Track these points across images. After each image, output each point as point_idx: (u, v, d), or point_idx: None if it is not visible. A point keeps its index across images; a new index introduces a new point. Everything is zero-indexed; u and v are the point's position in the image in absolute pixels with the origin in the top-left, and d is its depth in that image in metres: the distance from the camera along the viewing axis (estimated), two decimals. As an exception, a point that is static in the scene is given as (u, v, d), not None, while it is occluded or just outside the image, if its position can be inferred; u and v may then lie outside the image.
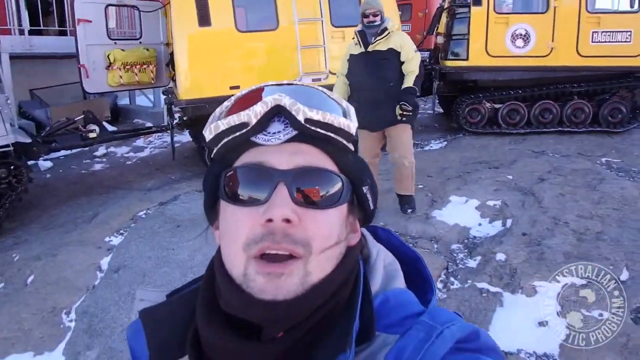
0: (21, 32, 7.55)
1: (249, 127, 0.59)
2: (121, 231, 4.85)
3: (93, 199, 5.74)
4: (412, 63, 4.15)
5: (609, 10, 7.81)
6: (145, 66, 6.44)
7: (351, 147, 0.64)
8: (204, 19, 5.69)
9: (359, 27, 4.31)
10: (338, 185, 0.61)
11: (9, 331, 3.57)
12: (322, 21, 6.16)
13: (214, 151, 0.64)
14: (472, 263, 3.87)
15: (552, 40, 7.54)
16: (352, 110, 0.65)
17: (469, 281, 3.57)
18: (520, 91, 7.74)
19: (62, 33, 8.41)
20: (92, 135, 5.87)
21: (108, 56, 6.15)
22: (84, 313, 3.74)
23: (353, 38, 4.34)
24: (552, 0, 7.49)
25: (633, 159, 6.42)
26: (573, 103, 7.73)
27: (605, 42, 7.53)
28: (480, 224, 4.60)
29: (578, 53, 7.56)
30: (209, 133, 0.62)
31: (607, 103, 7.75)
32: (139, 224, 4.97)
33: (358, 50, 4.26)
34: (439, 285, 3.61)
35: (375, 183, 0.68)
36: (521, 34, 7.64)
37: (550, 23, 7.52)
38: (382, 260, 0.66)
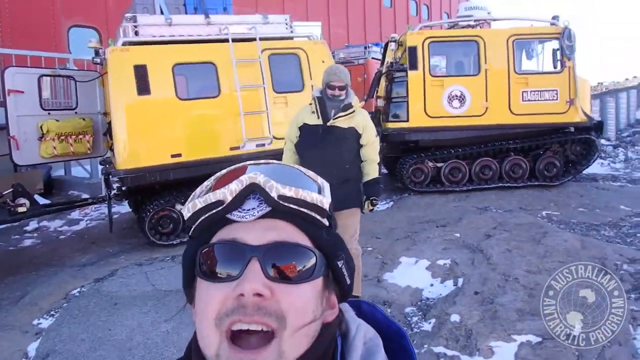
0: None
1: (224, 205, 0.62)
2: (52, 312, 4.57)
3: (21, 278, 5.42)
4: (372, 149, 3.86)
5: (535, 72, 8.58)
6: (81, 136, 6.37)
7: (325, 222, 0.66)
8: (142, 87, 5.77)
9: (317, 93, 3.87)
10: (312, 260, 0.62)
11: None
12: (264, 88, 6.37)
13: (192, 229, 0.67)
14: (427, 326, 3.89)
15: (486, 100, 8.14)
16: (326, 186, 0.68)
17: (425, 346, 3.56)
18: (460, 150, 8.20)
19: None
20: (21, 209, 5.63)
21: (41, 127, 6.05)
22: (6, 409, 3.44)
23: (310, 104, 3.86)
24: (482, 63, 8.15)
25: (570, 211, 6.84)
26: (510, 159, 8.26)
27: (534, 100, 8.23)
28: (432, 285, 4.68)
29: (511, 111, 8.19)
30: (187, 211, 0.65)
31: (541, 158, 8.34)
32: (72, 304, 4.71)
33: (314, 120, 3.81)
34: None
35: (351, 257, 0.70)
36: (457, 95, 8.22)
37: (482, 84, 8.16)
38: (363, 336, 0.66)
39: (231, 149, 6.26)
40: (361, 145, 3.84)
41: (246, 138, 6.27)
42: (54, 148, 6.12)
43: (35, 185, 7.96)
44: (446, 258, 5.11)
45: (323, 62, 6.40)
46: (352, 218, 3.87)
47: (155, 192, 6.17)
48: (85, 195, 8.11)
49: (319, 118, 3.79)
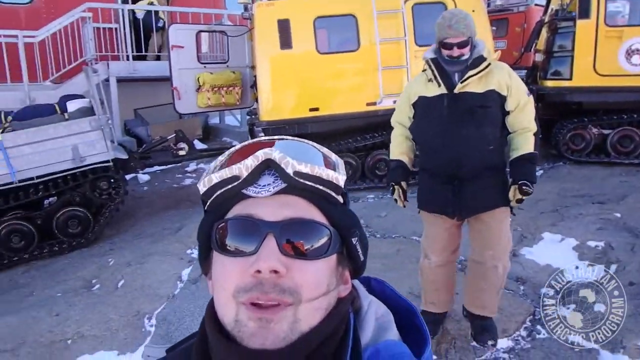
0: (127, 58, 8.77)
1: (240, 180, 0.66)
2: (202, 245, 5.48)
3: (179, 212, 6.51)
4: (524, 114, 2.84)
5: None
6: (231, 88, 7.17)
7: (340, 199, 0.69)
8: (285, 41, 6.26)
9: (430, 54, 2.92)
10: (326, 237, 0.66)
11: (99, 330, 4.25)
12: (405, 40, 6.45)
13: (208, 203, 0.71)
14: (564, 311, 3.52)
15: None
16: (341, 163, 0.71)
17: (556, 331, 3.26)
18: (635, 115, 7.32)
19: (157, 58, 9.55)
20: (181, 152, 6.67)
21: (198, 79, 6.96)
22: (163, 320, 4.33)
23: (424, 70, 2.96)
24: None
25: None
26: None
27: None
28: (577, 267, 4.25)
29: None
30: (202, 186, 0.70)
31: None
32: (219, 239, 5.58)
33: (434, 90, 2.85)
34: (523, 332, 3.45)
35: (365, 234, 0.73)
36: (638, 50, 7.30)
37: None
38: (374, 312, 0.70)
39: (368, 104, 6.51)
40: (507, 112, 2.84)
41: (383, 94, 6.47)
42: (208, 99, 7.00)
43: (195, 131, 9.23)
44: (599, 240, 4.62)
45: (473, 11, 6.22)
46: (501, 222, 2.98)
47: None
48: (235, 143, 9.14)
49: (440, 86, 2.82)
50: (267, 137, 0.75)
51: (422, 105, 2.94)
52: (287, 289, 0.62)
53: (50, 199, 5.86)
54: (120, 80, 8.50)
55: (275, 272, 0.61)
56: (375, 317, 0.70)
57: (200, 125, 9.56)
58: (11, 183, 5.24)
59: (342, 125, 6.55)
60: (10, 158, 5.16)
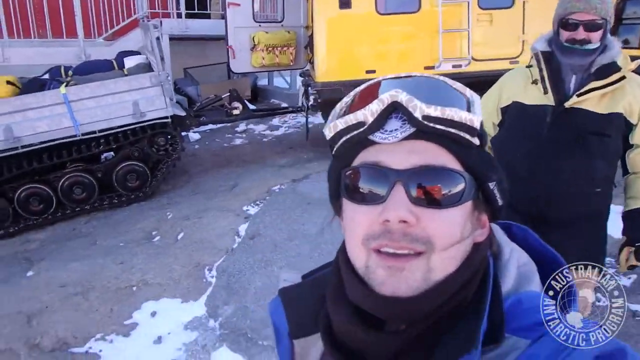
0: (179, 16, 8.72)
1: (365, 126, 0.62)
2: (257, 202, 5.51)
3: (232, 170, 6.54)
4: None
5: None
6: (285, 48, 7.07)
7: (476, 141, 0.63)
8: (344, 1, 6.09)
9: (541, 45, 2.11)
10: (460, 184, 0.61)
11: (162, 279, 4.35)
12: (468, 2, 6.19)
13: (334, 148, 0.68)
14: (626, 281, 3.62)
15: None
16: (477, 100, 0.64)
17: None
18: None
19: (205, 16, 9.45)
20: (235, 112, 6.66)
21: (253, 38, 6.87)
22: (223, 272, 4.40)
23: (529, 65, 2.17)
24: None
25: None
26: None
27: None
28: None
29: None
30: (328, 131, 0.67)
31: None
32: (273, 198, 5.60)
33: (537, 96, 2.10)
34: (580, 300, 3.51)
35: (504, 177, 0.67)
36: None
37: None
38: (516, 259, 0.66)
39: (425, 68, 6.34)
40: (630, 146, 2.08)
41: (442, 58, 6.27)
42: (263, 58, 6.93)
43: (245, 91, 9.20)
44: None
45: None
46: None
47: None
48: (284, 104, 9.09)
49: (546, 93, 2.06)
50: (392, 75, 0.68)
51: (515, 114, 2.18)
52: (419, 238, 0.59)
53: (106, 153, 5.94)
54: (171, 39, 8.48)
55: (404, 221, 0.59)
56: (517, 265, 0.66)
57: (249, 86, 9.52)
58: (74, 136, 5.33)
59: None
60: (73, 112, 5.23)
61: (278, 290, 0.78)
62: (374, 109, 0.61)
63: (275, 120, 8.62)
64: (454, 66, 6.33)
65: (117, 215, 5.61)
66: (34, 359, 3.51)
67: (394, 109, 0.61)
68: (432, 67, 6.34)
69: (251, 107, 7.52)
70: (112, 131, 5.52)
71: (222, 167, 6.75)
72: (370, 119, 0.62)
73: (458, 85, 0.66)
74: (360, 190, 0.63)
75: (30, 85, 5.45)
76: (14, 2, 7.49)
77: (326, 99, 6.48)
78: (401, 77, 0.67)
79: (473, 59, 6.29)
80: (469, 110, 0.62)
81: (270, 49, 6.93)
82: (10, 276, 4.44)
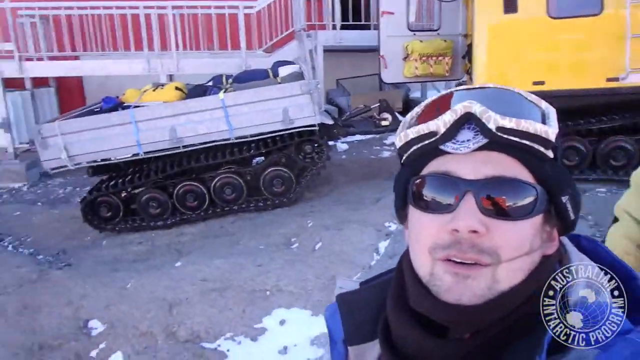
0: (334, 27, 8.80)
1: (437, 136, 0.62)
2: (399, 218, 5.20)
3: (378, 183, 6.31)
4: None
5: None
6: (440, 58, 6.65)
7: (550, 154, 0.62)
8: (510, 4, 5.51)
9: None
10: (531, 196, 0.60)
11: (295, 287, 4.25)
12: (664, 2, 5.22)
13: (404, 157, 0.68)
14: None
15: None
16: (552, 113, 0.63)
17: None
18: None
19: (363, 27, 9.38)
20: (384, 123, 6.43)
21: (406, 47, 6.59)
22: (358, 287, 4.16)
23: None
24: None
25: None
26: None
27: None
28: None
29: None
30: (399, 141, 0.67)
31: None
32: (416, 214, 5.23)
33: None
34: None
35: (578, 192, 0.65)
36: None
37: None
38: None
39: (608, 80, 5.45)
40: None
41: (630, 68, 5.34)
42: (416, 68, 6.60)
43: (396, 103, 8.93)
44: None
45: None
46: None
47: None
48: (436, 118, 8.64)
49: None
50: (465, 87, 0.67)
51: None
52: (486, 249, 0.59)
53: (257, 159, 6.10)
54: (325, 50, 8.57)
55: (475, 232, 0.58)
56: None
57: (401, 97, 9.24)
58: (228, 139, 5.56)
59: (571, 103, 5.59)
60: (229, 116, 5.45)
61: (336, 296, 0.78)
62: (446, 119, 0.61)
63: (426, 134, 8.20)
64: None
65: (261, 218, 5.71)
66: (169, 347, 3.62)
67: (467, 120, 0.61)
68: (617, 79, 5.44)
69: (401, 118, 7.22)
70: (262, 136, 5.65)
71: (368, 179, 6.56)
72: (442, 129, 0.61)
73: (533, 97, 0.65)
74: (430, 198, 0.63)
75: (194, 91, 5.84)
76: (188, 18, 8.21)
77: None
78: (475, 88, 0.66)
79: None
80: (544, 122, 0.62)
81: (424, 58, 6.58)
82: (163, 264, 4.75)
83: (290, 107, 5.52)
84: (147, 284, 4.26)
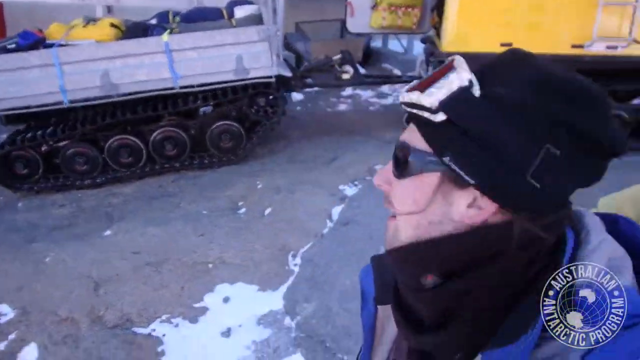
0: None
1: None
2: (355, 182, 4.75)
3: (334, 140, 5.80)
4: None
5: None
6: (409, 9, 6.04)
7: (437, 117, 0.59)
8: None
9: None
10: (413, 158, 0.63)
11: (241, 259, 3.78)
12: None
13: None
14: None
15: None
16: (451, 75, 0.60)
17: None
18: None
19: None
20: (345, 76, 5.84)
21: (375, -5, 5.93)
22: (309, 261, 3.73)
23: None
24: None
25: None
26: None
27: None
28: None
29: None
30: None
31: None
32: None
33: None
34: None
35: (469, 152, 0.58)
36: None
37: None
38: (606, 251, 0.60)
39: (573, 46, 5.06)
40: None
41: (597, 36, 4.95)
42: (383, 19, 5.98)
43: (357, 53, 8.27)
44: None
45: None
46: None
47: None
48: (397, 71, 8.08)
49: None
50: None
51: None
52: (390, 201, 0.66)
53: (204, 108, 5.39)
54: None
55: (379, 185, 0.68)
56: (608, 257, 0.59)
57: (361, 47, 8.57)
58: (172, 88, 4.84)
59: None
60: (173, 62, 4.70)
61: (370, 258, 0.81)
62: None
63: (385, 88, 7.66)
64: (608, 47, 4.98)
65: (205, 177, 5.12)
66: (94, 334, 3.09)
67: None
68: (581, 47, 5.05)
69: (362, 71, 6.63)
70: (211, 87, 4.95)
71: (324, 134, 6.02)
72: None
73: (458, 64, 0.61)
74: None
75: (133, 30, 5.01)
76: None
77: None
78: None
79: (635, 41, 4.90)
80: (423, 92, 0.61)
81: (393, 8, 5.94)
82: (89, 232, 4.11)
83: (245, 54, 4.82)
84: (69, 258, 3.66)
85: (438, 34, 5.94)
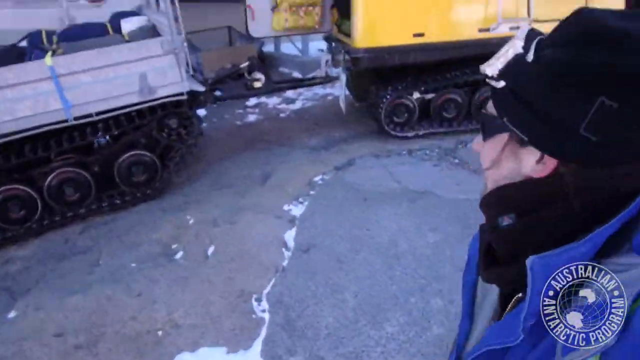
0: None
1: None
2: (300, 199, 4.18)
3: (256, 155, 5.15)
4: None
5: None
6: (310, 8, 5.57)
7: (499, 84, 0.64)
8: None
9: None
10: (488, 124, 0.68)
11: (197, 316, 3.03)
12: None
13: None
14: None
15: None
16: (502, 49, 0.64)
17: None
18: None
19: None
20: (257, 84, 5.23)
21: (275, -5, 5.36)
22: (278, 303, 3.10)
23: None
24: None
25: None
26: None
27: None
28: None
29: None
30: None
31: None
32: (318, 192, 4.26)
33: None
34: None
35: (521, 111, 0.62)
36: None
37: None
38: None
39: (480, 30, 5.01)
40: None
41: (502, 18, 4.94)
42: (286, 20, 5.44)
43: (240, 63, 7.63)
44: None
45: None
46: None
47: (385, 76, 5.31)
48: (296, 74, 7.59)
49: None
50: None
51: None
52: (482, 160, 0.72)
53: (99, 139, 4.39)
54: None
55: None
56: None
57: (255, 53, 7.92)
58: (65, 121, 3.83)
59: (451, 55, 5.05)
60: (63, 89, 3.71)
61: (480, 225, 0.80)
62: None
63: (290, 93, 7.14)
64: (511, 28, 5.00)
65: (121, 221, 4.17)
66: None
67: None
68: (488, 30, 5.01)
69: (274, 78, 6.04)
70: (114, 113, 4.03)
71: (243, 150, 5.34)
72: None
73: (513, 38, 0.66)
74: None
75: (4, 56, 3.87)
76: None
77: (367, 67, 5.07)
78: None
79: (534, 20, 4.97)
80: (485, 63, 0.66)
81: (294, 8, 5.43)
82: (-16, 322, 3.04)
83: (149, 71, 3.97)
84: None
85: (341, 31, 5.60)
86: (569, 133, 0.56)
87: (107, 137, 4.31)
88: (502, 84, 0.63)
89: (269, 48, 8.71)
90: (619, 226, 0.56)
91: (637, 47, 0.52)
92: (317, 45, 8.12)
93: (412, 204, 3.92)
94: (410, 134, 5.24)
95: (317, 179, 4.48)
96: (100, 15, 5.52)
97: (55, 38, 4.30)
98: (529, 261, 0.59)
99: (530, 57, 0.60)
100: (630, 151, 0.55)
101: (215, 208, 4.13)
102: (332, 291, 3.13)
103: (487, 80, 0.65)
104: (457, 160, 4.70)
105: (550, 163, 0.60)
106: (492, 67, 0.63)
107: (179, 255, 3.62)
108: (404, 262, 3.28)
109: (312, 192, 4.26)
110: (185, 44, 4.17)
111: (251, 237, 3.71)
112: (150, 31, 4.46)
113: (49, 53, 3.78)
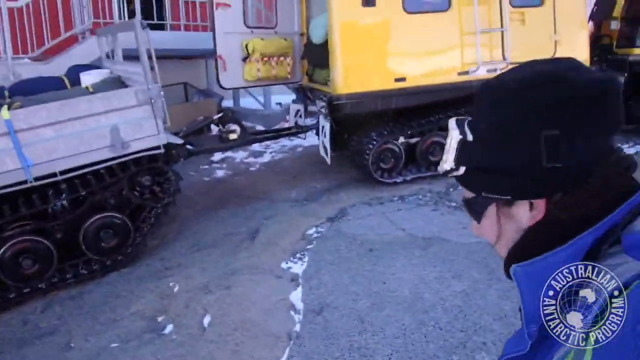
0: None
1: None
2: (298, 255, 3.70)
3: (236, 211, 4.65)
4: None
5: None
6: (282, 58, 5.36)
7: (458, 172, 0.69)
8: (368, -2, 4.59)
9: None
10: (471, 203, 0.71)
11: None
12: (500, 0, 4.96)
13: None
14: None
15: None
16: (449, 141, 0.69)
17: None
18: None
19: (155, 27, 7.35)
20: (232, 136, 4.81)
21: (246, 46, 5.09)
22: (301, 378, 2.57)
23: None
24: None
25: None
26: None
27: None
28: None
29: None
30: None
31: None
32: (318, 246, 3.81)
33: None
34: None
35: (489, 183, 0.66)
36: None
37: None
38: None
39: (459, 74, 4.98)
40: None
41: (481, 61, 4.94)
42: (258, 70, 5.16)
43: (212, 114, 7.22)
44: None
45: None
46: None
47: (364, 123, 5.09)
48: (260, 127, 7.25)
49: None
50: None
51: None
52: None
53: (58, 202, 3.71)
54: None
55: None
56: None
57: (216, 108, 7.51)
58: (24, 182, 3.19)
59: (433, 99, 4.95)
60: (22, 146, 3.10)
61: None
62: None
63: (256, 146, 6.74)
64: (488, 71, 5.01)
65: (91, 294, 3.46)
66: None
67: None
68: (467, 72, 4.99)
69: (249, 129, 5.65)
70: (80, 172, 3.43)
71: (218, 207, 4.81)
72: None
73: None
74: None
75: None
76: None
77: (349, 113, 4.82)
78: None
79: (510, 63, 5.03)
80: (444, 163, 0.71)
81: (266, 59, 5.17)
82: None
83: (122, 124, 3.46)
84: None
85: (312, 80, 5.41)
86: (539, 172, 0.59)
87: (64, 200, 3.63)
88: (462, 169, 0.68)
89: (228, 103, 8.38)
90: (605, 230, 0.57)
91: (533, 84, 0.60)
92: (277, 99, 7.90)
93: (424, 251, 3.57)
94: (399, 180, 4.98)
95: (311, 232, 4.04)
96: (49, 71, 5.02)
97: (7, 92, 3.71)
98: (511, 270, 0.63)
99: (469, 137, 0.65)
100: (596, 150, 0.59)
101: (202, 272, 3.55)
102: (361, 356, 2.64)
103: (449, 175, 0.69)
104: (454, 204, 4.46)
105: (540, 204, 0.63)
106: (448, 163, 0.68)
107: (169, 329, 2.99)
108: (434, 316, 2.87)
109: (309, 247, 3.80)
110: (162, 93, 3.71)
111: (252, 303, 3.16)
112: (116, 82, 3.99)
113: (4, 107, 3.18)
